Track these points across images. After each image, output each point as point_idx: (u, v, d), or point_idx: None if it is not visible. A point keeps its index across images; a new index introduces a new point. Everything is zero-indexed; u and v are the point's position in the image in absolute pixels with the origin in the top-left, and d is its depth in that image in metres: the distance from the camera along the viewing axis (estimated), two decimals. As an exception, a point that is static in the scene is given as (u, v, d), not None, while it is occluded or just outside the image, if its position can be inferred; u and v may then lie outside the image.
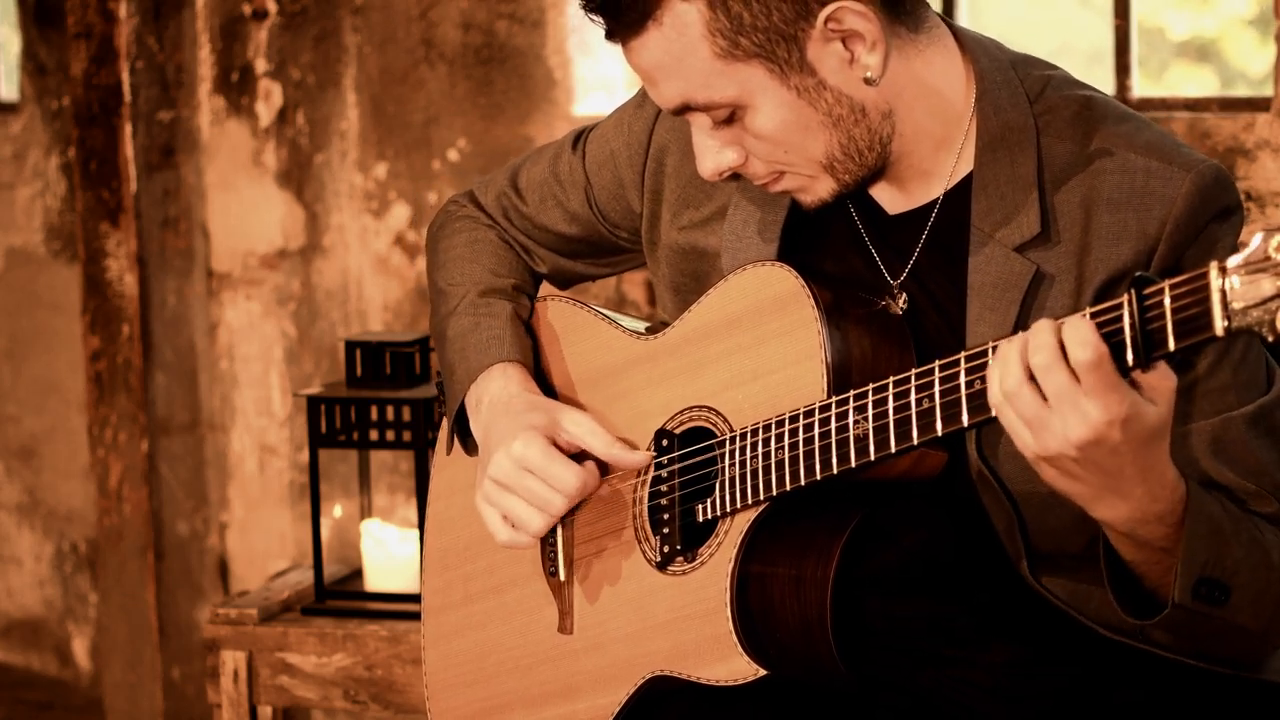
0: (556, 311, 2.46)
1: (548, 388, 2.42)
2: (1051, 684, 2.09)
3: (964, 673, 2.10)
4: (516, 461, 2.26)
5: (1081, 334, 1.84)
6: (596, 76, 4.29)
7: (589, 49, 4.30)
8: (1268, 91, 3.80)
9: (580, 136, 2.48)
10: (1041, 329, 1.87)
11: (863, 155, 2.13)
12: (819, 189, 2.16)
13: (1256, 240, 1.74)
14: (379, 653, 3.44)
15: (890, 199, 2.21)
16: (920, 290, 2.17)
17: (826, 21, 2.06)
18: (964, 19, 4.12)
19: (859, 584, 2.09)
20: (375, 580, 3.56)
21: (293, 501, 4.68)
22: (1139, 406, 1.86)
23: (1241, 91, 5.33)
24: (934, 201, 2.18)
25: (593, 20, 2.14)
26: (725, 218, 2.28)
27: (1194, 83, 5.51)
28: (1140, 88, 3.97)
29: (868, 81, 2.09)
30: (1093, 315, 1.85)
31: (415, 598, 3.36)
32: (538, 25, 4.31)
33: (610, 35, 2.14)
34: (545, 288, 2.56)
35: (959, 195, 2.17)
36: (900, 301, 2.17)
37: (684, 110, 2.14)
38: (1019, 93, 2.15)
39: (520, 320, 2.44)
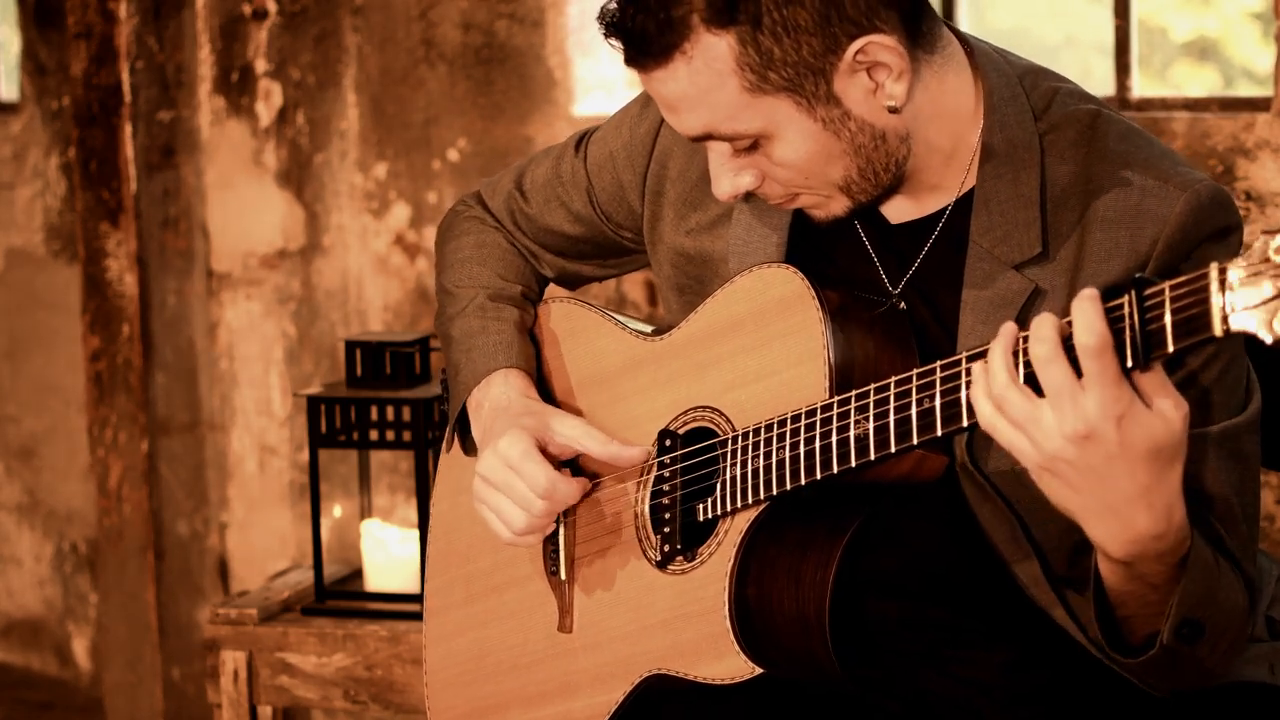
0: (563, 312, 2.47)
1: (553, 389, 2.44)
2: (1052, 681, 2.09)
3: (964, 672, 2.10)
4: (501, 459, 2.29)
5: (1088, 319, 1.82)
6: (596, 76, 4.29)
7: (589, 49, 4.30)
8: (1270, 89, 3.80)
9: (582, 139, 2.48)
10: (1043, 321, 1.85)
11: (879, 176, 2.13)
12: (833, 207, 2.16)
13: (1256, 243, 1.74)
14: (379, 653, 3.44)
15: (895, 210, 2.21)
16: (919, 299, 2.17)
17: (855, 55, 2.05)
18: (967, 10, 4.12)
19: (858, 585, 2.09)
20: (375, 580, 3.56)
21: (293, 501, 4.68)
22: (1138, 410, 1.84)
23: (1245, 88, 5.33)
24: (937, 214, 2.18)
25: (612, 45, 2.11)
26: (730, 221, 2.28)
27: (1197, 81, 5.50)
28: (1142, 87, 3.97)
29: (891, 110, 2.08)
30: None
31: (415, 598, 3.36)
32: (538, 25, 4.31)
33: (631, 62, 2.10)
34: (551, 289, 2.57)
35: (963, 209, 2.17)
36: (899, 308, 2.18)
37: (705, 139, 2.12)
38: (1025, 109, 2.15)
39: (525, 327, 2.46)
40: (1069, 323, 1.85)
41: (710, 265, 2.30)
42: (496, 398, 2.38)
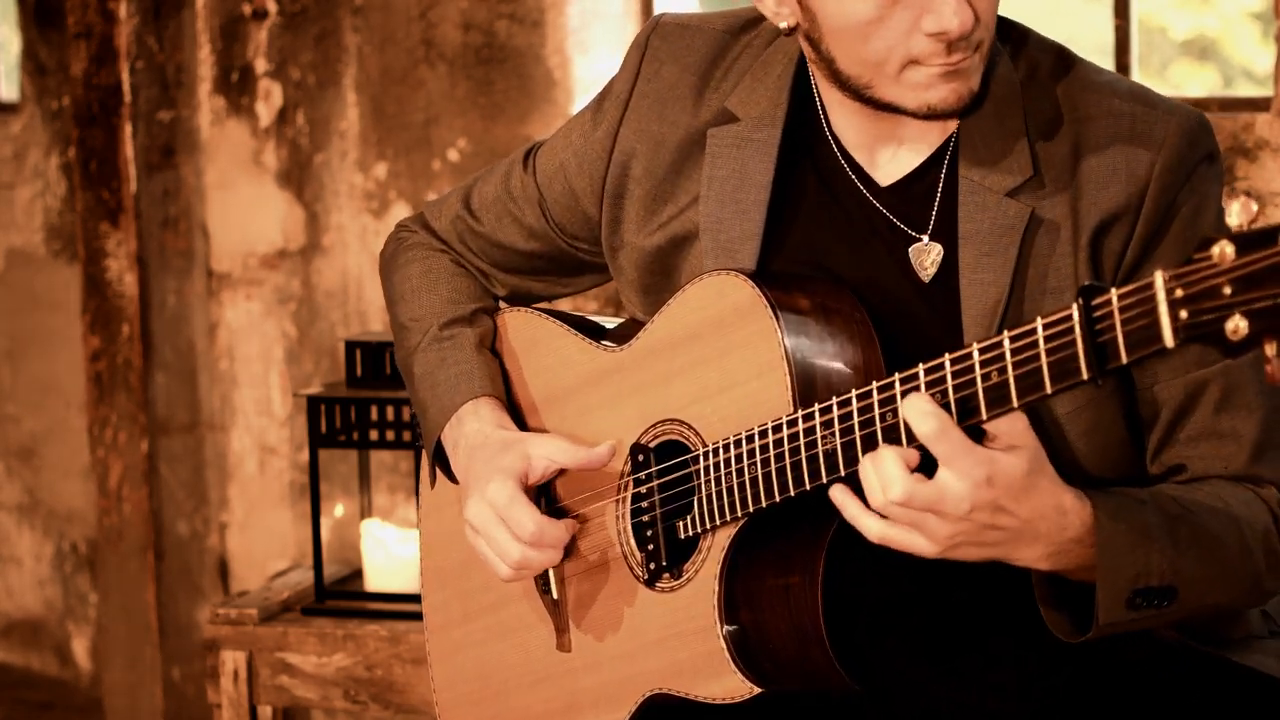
0: (520, 322, 2.43)
1: (517, 402, 2.41)
2: (1069, 683, 2.09)
3: (974, 674, 2.10)
4: (489, 505, 2.27)
5: (919, 408, 1.89)
6: (596, 76, 4.29)
7: (588, 49, 4.30)
8: (1269, 88, 3.80)
9: (529, 154, 2.45)
10: (883, 461, 1.92)
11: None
12: (976, 77, 2.13)
13: (1203, 248, 1.72)
14: (379, 653, 3.44)
15: (881, 169, 2.20)
16: (927, 252, 2.17)
17: None
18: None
19: (848, 589, 2.09)
20: (375, 580, 3.57)
21: (293, 501, 4.68)
22: (997, 460, 1.90)
23: (1245, 88, 5.34)
24: (926, 164, 2.17)
25: None
26: (698, 202, 2.25)
27: (1196, 81, 5.51)
28: (1141, 87, 3.97)
29: None
30: (1044, 326, 1.84)
31: (415, 598, 3.36)
32: (538, 25, 4.31)
33: None
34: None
35: (939, 158, 2.17)
36: (934, 255, 2.15)
37: None
38: (999, 48, 2.16)
39: (485, 345, 2.43)
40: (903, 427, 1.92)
41: (686, 246, 2.27)
42: (471, 436, 2.34)
